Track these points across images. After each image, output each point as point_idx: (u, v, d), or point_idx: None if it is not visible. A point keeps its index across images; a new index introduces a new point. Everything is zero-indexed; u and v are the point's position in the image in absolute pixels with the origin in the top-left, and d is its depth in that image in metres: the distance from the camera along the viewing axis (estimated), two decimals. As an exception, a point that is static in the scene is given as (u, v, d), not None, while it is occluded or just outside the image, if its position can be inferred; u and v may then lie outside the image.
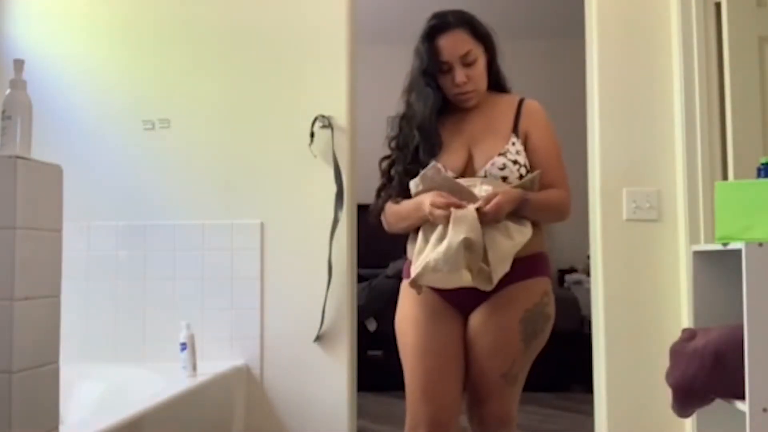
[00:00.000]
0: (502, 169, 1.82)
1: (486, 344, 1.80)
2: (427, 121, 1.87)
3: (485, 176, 1.82)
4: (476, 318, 1.83)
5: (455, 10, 1.92)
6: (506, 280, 1.75)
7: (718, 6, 2.45)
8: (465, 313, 1.85)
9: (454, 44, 1.86)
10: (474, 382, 1.84)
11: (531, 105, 1.95)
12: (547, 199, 1.84)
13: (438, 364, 1.81)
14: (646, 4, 2.61)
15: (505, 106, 1.95)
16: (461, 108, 1.94)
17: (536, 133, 1.90)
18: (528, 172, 1.84)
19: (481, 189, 1.76)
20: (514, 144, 1.86)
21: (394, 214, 1.91)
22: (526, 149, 1.87)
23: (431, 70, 1.87)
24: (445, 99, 1.92)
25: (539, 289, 1.83)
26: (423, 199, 1.77)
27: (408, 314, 1.87)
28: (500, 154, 1.83)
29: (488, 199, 1.71)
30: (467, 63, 1.87)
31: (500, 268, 1.70)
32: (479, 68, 1.90)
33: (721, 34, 2.42)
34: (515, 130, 1.89)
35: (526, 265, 1.80)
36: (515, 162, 1.83)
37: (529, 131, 1.90)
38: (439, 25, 1.88)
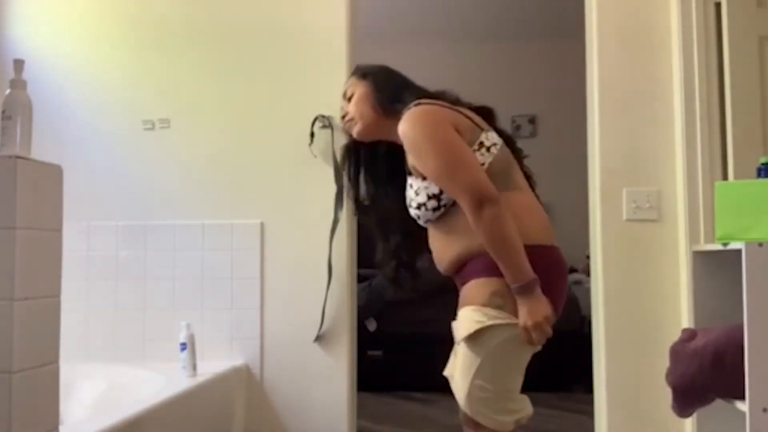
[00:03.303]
0: (416, 213, 1.83)
1: None
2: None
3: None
4: None
5: None
6: None
7: (718, 6, 2.45)
8: None
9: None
10: None
11: (400, 129, 1.80)
12: (489, 250, 1.65)
13: None
14: (646, 4, 2.61)
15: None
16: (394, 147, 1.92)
17: (413, 161, 1.79)
18: (419, 206, 1.79)
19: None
20: (411, 186, 1.83)
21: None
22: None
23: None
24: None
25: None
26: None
27: None
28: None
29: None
30: (347, 99, 1.99)
31: None
32: (354, 100, 1.96)
33: (721, 34, 2.42)
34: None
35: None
36: (414, 205, 1.82)
37: (406, 148, 1.81)
38: None
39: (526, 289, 1.62)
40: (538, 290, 1.63)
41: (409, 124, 1.75)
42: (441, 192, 1.74)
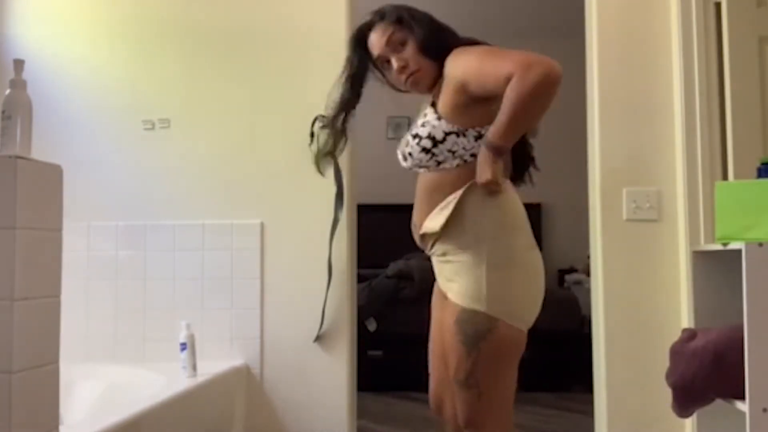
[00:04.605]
0: (406, 146, 1.80)
1: (443, 342, 1.79)
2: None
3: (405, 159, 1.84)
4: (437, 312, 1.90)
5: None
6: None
7: (718, 6, 2.45)
8: None
9: (379, 36, 1.88)
10: None
11: (449, 59, 1.78)
12: (511, 104, 1.61)
13: (432, 348, 1.93)
14: (646, 4, 2.61)
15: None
16: None
17: (459, 72, 1.73)
18: (434, 141, 1.73)
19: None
20: (425, 115, 1.79)
21: None
22: (468, 94, 1.72)
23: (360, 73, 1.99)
24: None
25: None
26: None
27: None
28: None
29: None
30: (396, 48, 1.85)
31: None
32: (410, 49, 1.84)
33: (721, 34, 2.42)
34: (436, 96, 1.80)
35: None
36: (415, 135, 1.77)
37: (456, 77, 1.74)
38: (365, 24, 1.95)
39: (497, 150, 1.67)
40: (501, 160, 1.69)
41: (461, 54, 1.76)
42: (440, 142, 1.72)
